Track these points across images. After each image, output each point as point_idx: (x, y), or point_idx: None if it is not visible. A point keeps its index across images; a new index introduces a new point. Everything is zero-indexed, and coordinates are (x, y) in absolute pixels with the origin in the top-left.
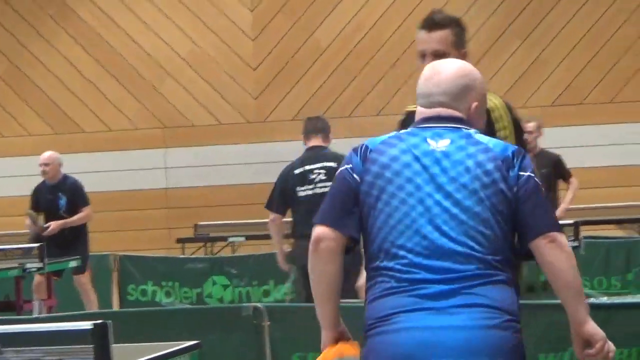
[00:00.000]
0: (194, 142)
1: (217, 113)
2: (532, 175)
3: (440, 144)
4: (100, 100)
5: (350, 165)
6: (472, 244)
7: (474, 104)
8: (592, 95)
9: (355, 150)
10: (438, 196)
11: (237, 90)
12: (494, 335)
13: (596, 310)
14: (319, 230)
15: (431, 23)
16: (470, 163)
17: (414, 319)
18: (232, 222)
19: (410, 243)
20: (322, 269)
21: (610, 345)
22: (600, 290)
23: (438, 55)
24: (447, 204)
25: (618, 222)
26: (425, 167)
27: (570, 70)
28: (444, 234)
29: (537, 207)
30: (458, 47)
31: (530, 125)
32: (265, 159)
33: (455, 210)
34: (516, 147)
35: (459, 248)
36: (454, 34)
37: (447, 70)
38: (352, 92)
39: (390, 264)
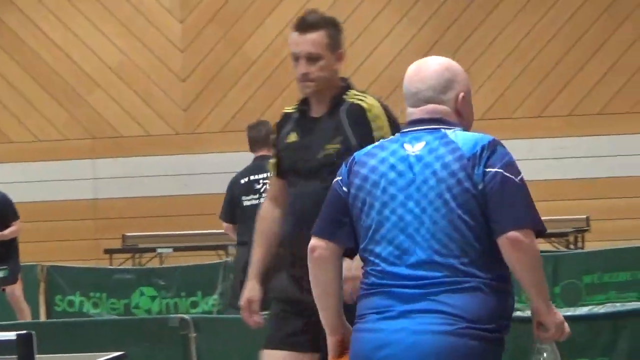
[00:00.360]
0: (123, 153)
1: (145, 124)
2: (500, 170)
3: (416, 148)
4: (27, 109)
5: (340, 178)
6: (440, 250)
7: (461, 95)
8: (521, 109)
9: (345, 161)
10: (410, 203)
11: (166, 102)
12: (444, 340)
13: (521, 324)
14: (312, 241)
15: (304, 25)
16: (437, 165)
17: (377, 320)
18: (160, 233)
19: (385, 252)
20: (316, 276)
21: (566, 327)
22: (528, 304)
23: (312, 58)
24: (417, 210)
25: (545, 236)
26: (400, 174)
27: (500, 84)
28: (414, 242)
29: (501, 204)
30: (333, 49)
31: None
32: (194, 171)
33: (424, 217)
34: (489, 139)
35: (427, 256)
36: (328, 36)
37: (430, 66)
38: (281, 103)
39: (369, 269)
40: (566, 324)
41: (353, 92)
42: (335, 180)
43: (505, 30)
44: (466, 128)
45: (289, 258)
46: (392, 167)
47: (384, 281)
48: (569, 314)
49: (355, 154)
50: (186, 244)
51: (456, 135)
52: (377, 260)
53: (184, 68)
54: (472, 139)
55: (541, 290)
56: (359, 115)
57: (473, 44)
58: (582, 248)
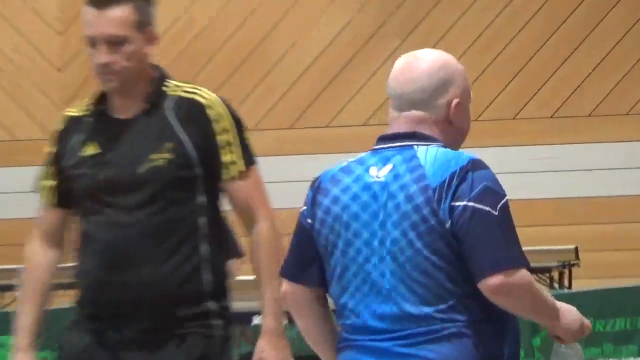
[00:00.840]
0: None
1: (11, 126)
2: (470, 204)
3: (381, 173)
4: None
5: (305, 207)
6: (410, 298)
7: (455, 101)
8: (487, 111)
9: (311, 185)
10: (375, 242)
11: (37, 97)
12: None
13: None
14: (283, 286)
15: None
16: (401, 197)
17: None
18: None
19: (351, 303)
20: (298, 325)
21: (586, 325)
22: None
23: (114, 42)
24: (382, 251)
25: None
26: (364, 207)
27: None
28: (382, 290)
29: (475, 245)
30: (141, 27)
31: None
32: None
33: (388, 259)
34: (463, 163)
35: (397, 307)
36: (135, 11)
37: (421, 63)
38: None
39: (340, 323)
40: (585, 321)
41: (174, 83)
42: (301, 209)
43: (466, 14)
44: (458, 140)
45: (88, 309)
46: (355, 197)
47: (355, 336)
48: None
49: (321, 176)
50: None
51: (427, 156)
52: (345, 312)
53: (61, 55)
54: (443, 163)
55: (544, 316)
56: (194, 112)
57: (426, 30)
58: (570, 287)
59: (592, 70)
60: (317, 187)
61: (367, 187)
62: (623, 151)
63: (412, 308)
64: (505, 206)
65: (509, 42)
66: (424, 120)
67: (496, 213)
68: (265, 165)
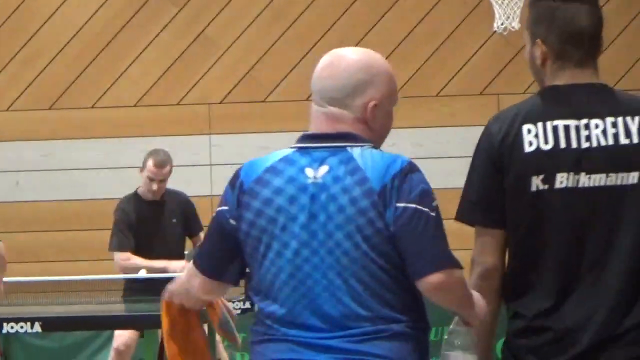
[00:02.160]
0: None
1: None
2: (410, 205)
3: (319, 174)
4: None
5: (226, 207)
6: (355, 299)
7: (372, 103)
8: (278, 90)
9: (230, 184)
10: (314, 243)
11: None
12: None
13: None
14: (197, 280)
15: None
16: (344, 200)
17: None
18: None
19: (289, 302)
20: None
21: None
22: None
23: None
24: (323, 252)
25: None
26: (301, 208)
27: (248, 54)
28: (322, 290)
29: (416, 243)
30: None
31: (163, 172)
32: None
33: (331, 261)
34: (401, 166)
35: (340, 307)
36: None
37: (343, 62)
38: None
39: (271, 312)
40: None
41: None
42: (219, 208)
43: None
44: (375, 142)
45: None
46: (292, 199)
47: (291, 331)
48: None
49: (241, 176)
50: None
51: (364, 158)
52: (277, 311)
53: None
54: (382, 166)
55: (468, 308)
56: None
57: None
58: None
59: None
60: (239, 188)
61: (303, 187)
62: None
63: (358, 308)
64: (438, 209)
65: (302, 12)
66: (343, 118)
67: (434, 214)
68: (20, 152)
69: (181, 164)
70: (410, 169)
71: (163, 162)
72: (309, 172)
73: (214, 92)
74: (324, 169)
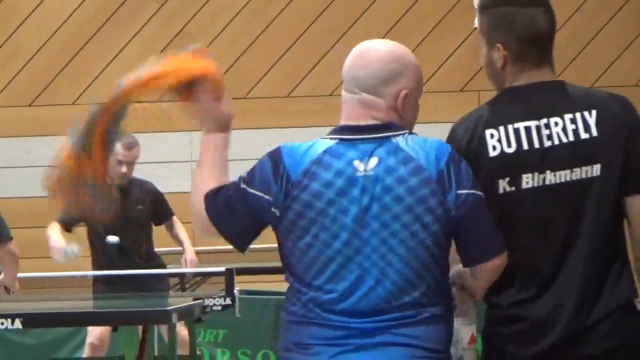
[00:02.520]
0: None
1: None
2: (471, 191)
3: (369, 166)
4: None
5: (268, 196)
6: (403, 286)
7: (404, 92)
8: (259, 86)
9: (274, 170)
10: (366, 234)
11: None
12: None
13: None
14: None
15: None
16: (401, 190)
17: (335, 354)
18: None
19: (340, 287)
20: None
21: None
22: None
23: None
24: (375, 241)
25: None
26: (352, 201)
27: (229, 51)
28: (371, 277)
29: (480, 229)
30: None
31: (132, 154)
32: None
33: (384, 251)
34: (449, 151)
35: (386, 291)
36: None
37: (375, 52)
38: None
39: (317, 297)
40: None
41: None
42: (254, 192)
43: None
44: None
45: None
46: (342, 192)
47: (333, 316)
48: None
49: (286, 165)
50: None
51: (409, 145)
52: (317, 295)
53: None
54: (431, 152)
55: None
56: None
57: None
58: None
59: None
60: (286, 179)
61: (353, 181)
62: None
63: (404, 295)
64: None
65: (284, 8)
66: (377, 105)
67: (484, 197)
68: (0, 149)
69: (162, 160)
70: (455, 154)
71: (131, 143)
72: (359, 165)
73: None
74: (373, 161)
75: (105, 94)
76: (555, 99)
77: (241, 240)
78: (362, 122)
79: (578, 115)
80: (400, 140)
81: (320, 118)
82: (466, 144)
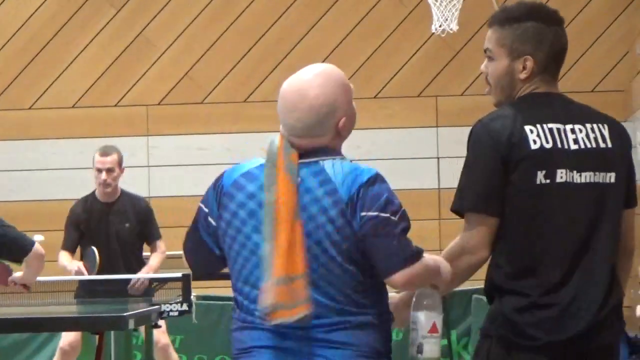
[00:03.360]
0: None
1: None
2: (375, 213)
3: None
4: None
5: (207, 210)
6: (324, 297)
7: (342, 120)
8: (216, 92)
9: (213, 185)
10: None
11: None
12: None
13: None
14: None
15: None
16: (315, 210)
17: (266, 356)
18: None
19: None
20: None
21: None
22: None
23: None
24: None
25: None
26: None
27: (186, 56)
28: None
29: (382, 248)
30: None
31: (108, 160)
32: None
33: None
34: (368, 177)
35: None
36: None
37: (306, 99)
38: None
39: (248, 304)
40: (447, 267)
41: None
42: (200, 205)
43: None
44: (340, 143)
45: None
46: (261, 205)
47: (261, 320)
48: None
49: (222, 180)
50: None
51: (334, 170)
52: (249, 302)
53: None
54: (350, 177)
55: (436, 281)
56: None
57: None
58: None
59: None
60: (220, 190)
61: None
62: None
63: (328, 303)
64: (404, 213)
65: (240, 13)
66: (318, 140)
67: (395, 218)
68: None
69: None
70: (375, 180)
71: (107, 150)
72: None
73: (152, 94)
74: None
75: (62, 98)
76: (573, 108)
77: (199, 268)
78: (303, 147)
79: (595, 126)
80: (327, 164)
81: (275, 124)
82: (507, 138)
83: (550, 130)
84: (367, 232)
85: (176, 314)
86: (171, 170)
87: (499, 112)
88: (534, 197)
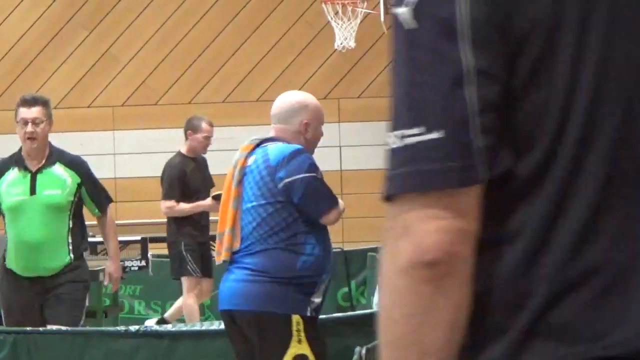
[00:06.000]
0: None
1: None
2: (288, 173)
3: (251, 160)
4: None
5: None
6: (255, 229)
7: (304, 121)
8: (167, 95)
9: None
10: (245, 197)
11: None
12: (244, 285)
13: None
14: None
15: None
16: (255, 173)
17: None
18: None
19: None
20: None
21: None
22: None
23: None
24: (245, 204)
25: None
26: (240, 179)
27: (143, 68)
28: (243, 225)
29: (305, 201)
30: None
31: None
32: None
33: (247, 206)
34: (290, 151)
35: (243, 235)
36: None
37: (287, 98)
38: None
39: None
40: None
41: None
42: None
43: (147, 9)
44: (310, 146)
45: None
46: (239, 172)
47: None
48: None
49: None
50: None
51: (272, 150)
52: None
53: None
54: (280, 152)
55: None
56: None
57: (110, 24)
58: None
59: (260, 60)
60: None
61: (243, 169)
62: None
63: (248, 234)
64: (311, 171)
65: (185, 34)
66: (284, 129)
67: (311, 179)
68: None
69: (91, 154)
70: (297, 153)
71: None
72: (249, 160)
73: (117, 97)
74: (253, 158)
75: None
76: None
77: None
78: (274, 135)
79: None
80: (269, 147)
81: (215, 121)
82: None
83: None
84: (294, 189)
85: (136, 268)
86: (133, 157)
87: None
88: None
